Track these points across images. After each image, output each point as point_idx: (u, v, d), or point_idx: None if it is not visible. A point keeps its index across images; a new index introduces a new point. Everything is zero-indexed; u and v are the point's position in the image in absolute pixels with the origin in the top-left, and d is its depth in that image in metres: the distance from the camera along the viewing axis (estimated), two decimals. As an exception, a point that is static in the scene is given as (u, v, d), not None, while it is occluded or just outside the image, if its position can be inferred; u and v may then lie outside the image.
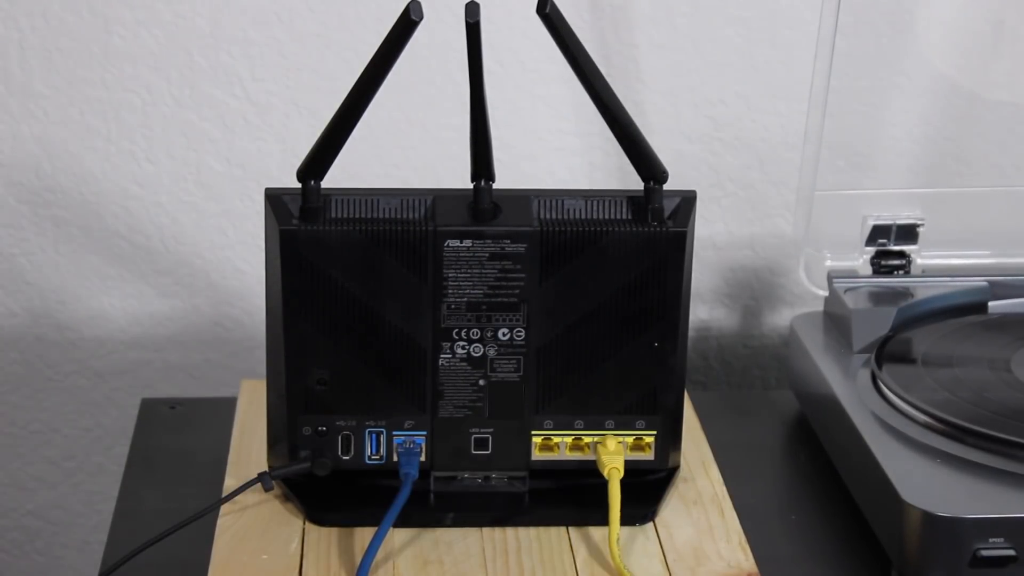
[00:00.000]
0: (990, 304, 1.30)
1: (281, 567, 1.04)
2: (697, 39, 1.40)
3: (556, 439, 1.10)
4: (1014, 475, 1.06)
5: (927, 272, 1.33)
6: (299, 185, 1.05)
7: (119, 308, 1.44)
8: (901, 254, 1.33)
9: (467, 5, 1.00)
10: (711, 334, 1.48)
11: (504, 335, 1.07)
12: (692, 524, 1.09)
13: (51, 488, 1.50)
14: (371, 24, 1.37)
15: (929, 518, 1.02)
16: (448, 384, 1.08)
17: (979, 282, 1.31)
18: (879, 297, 1.29)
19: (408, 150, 1.41)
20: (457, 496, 1.10)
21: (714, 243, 1.46)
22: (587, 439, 1.10)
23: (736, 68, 1.41)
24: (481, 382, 1.08)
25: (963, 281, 1.31)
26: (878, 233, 1.33)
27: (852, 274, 1.32)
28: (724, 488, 1.13)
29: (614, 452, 1.09)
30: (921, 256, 1.33)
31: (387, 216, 1.05)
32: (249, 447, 1.17)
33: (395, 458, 1.09)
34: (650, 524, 1.09)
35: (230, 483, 1.12)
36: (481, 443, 1.09)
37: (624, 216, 1.06)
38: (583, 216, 1.06)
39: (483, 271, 1.06)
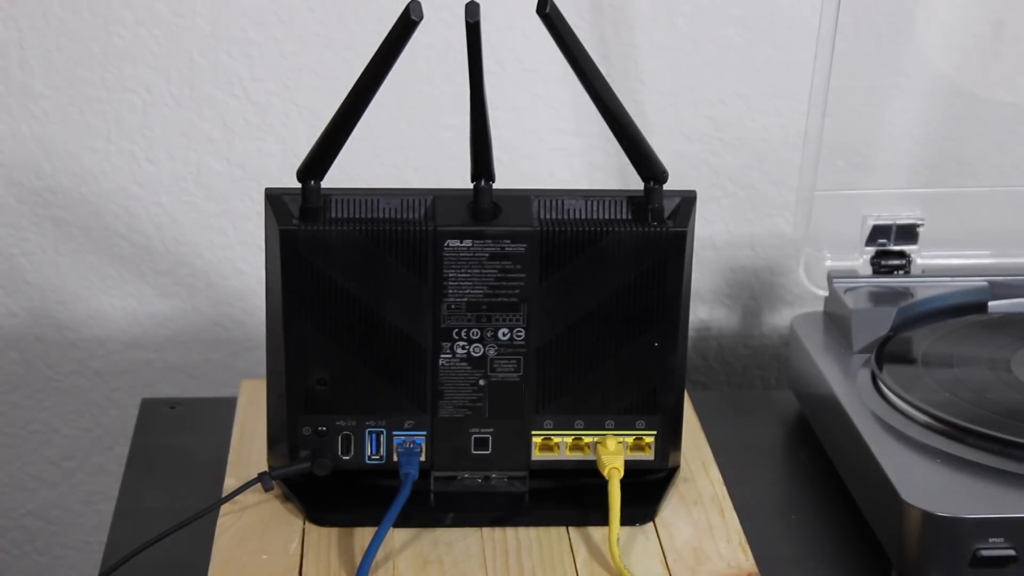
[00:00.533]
0: (990, 304, 1.30)
1: (281, 567, 1.04)
2: (697, 39, 1.40)
3: (556, 439, 1.10)
4: (1014, 475, 1.06)
5: (927, 272, 1.33)
6: (299, 185, 1.05)
7: (119, 308, 1.44)
8: (901, 254, 1.33)
9: (467, 5, 1.00)
10: (711, 334, 1.48)
11: (504, 335, 1.07)
12: (692, 524, 1.09)
13: (51, 488, 1.50)
14: (371, 24, 1.37)
15: (929, 518, 1.02)
16: (448, 384, 1.08)
17: (979, 282, 1.31)
18: (879, 297, 1.29)
19: (408, 150, 1.41)
20: (457, 496, 1.10)
21: (714, 243, 1.46)
22: (587, 439, 1.10)
23: (736, 68, 1.41)
24: (481, 382, 1.08)
25: (963, 281, 1.31)
26: (878, 233, 1.33)
27: (852, 274, 1.32)
28: (724, 488, 1.13)
29: (614, 452, 1.09)
30: (921, 256, 1.33)
31: (387, 216, 1.05)
32: (249, 447, 1.17)
33: (395, 458, 1.09)
34: (650, 524, 1.09)
35: (230, 483, 1.12)
36: (481, 443, 1.09)
37: (624, 216, 1.06)
38: (583, 216, 1.06)
39: (483, 271, 1.06)
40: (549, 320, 1.07)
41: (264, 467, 1.11)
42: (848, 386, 1.19)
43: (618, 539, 1.04)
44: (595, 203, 1.06)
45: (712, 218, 1.44)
